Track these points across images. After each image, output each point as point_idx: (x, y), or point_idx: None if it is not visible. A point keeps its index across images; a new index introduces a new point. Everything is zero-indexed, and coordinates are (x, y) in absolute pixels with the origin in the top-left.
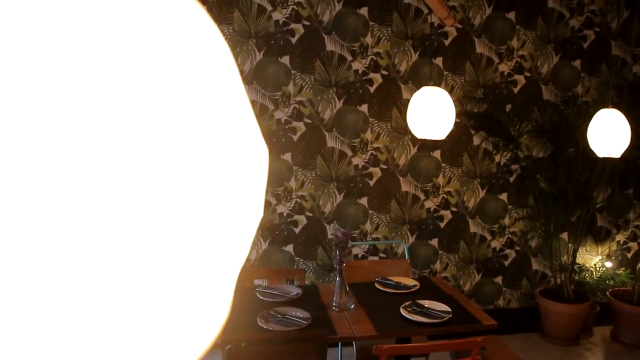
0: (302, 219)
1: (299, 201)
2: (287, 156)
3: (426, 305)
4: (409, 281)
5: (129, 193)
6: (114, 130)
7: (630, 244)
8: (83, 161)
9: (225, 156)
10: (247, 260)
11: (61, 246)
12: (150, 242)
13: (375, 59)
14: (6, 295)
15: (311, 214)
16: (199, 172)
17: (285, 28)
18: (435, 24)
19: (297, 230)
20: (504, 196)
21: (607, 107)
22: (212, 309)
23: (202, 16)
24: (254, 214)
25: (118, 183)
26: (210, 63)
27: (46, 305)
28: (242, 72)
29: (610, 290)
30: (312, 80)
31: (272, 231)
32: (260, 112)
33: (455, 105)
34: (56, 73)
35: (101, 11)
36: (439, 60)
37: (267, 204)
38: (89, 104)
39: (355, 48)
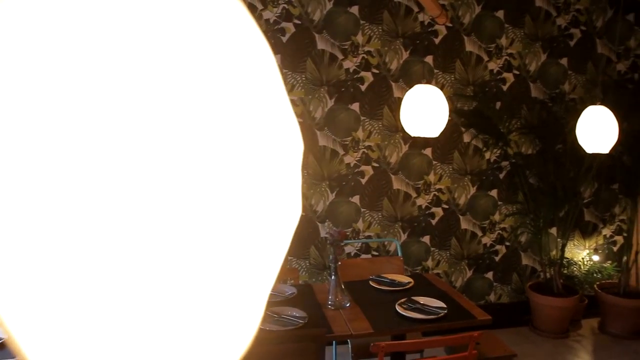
0: None
1: None
2: None
3: (421, 302)
4: (403, 278)
5: (164, 192)
6: (149, 126)
7: (616, 237)
8: (128, 159)
9: (265, 155)
10: None
11: (107, 246)
12: (185, 243)
13: (366, 57)
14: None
15: (303, 213)
16: (239, 172)
17: (276, 27)
18: (426, 23)
19: None
20: (494, 192)
21: (595, 104)
22: (251, 308)
23: (242, 12)
24: (293, 210)
25: (155, 181)
26: (250, 60)
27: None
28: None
29: (598, 283)
30: (304, 79)
31: None
32: None
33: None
34: (102, 69)
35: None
36: (429, 59)
37: None
38: (139, 100)
39: (346, 46)
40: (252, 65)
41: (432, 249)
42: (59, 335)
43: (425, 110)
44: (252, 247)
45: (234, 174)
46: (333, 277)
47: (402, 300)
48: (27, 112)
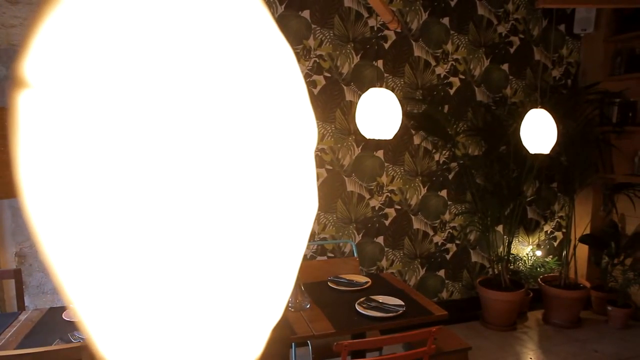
0: None
1: None
2: None
3: (380, 300)
4: (361, 278)
5: (187, 190)
6: (165, 124)
7: (556, 233)
8: (142, 156)
9: (283, 151)
10: None
11: (134, 246)
12: (201, 243)
13: (318, 61)
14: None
15: None
16: (257, 169)
17: None
18: (375, 28)
19: None
20: (444, 193)
21: (536, 107)
22: (273, 304)
23: (262, 10)
24: (310, 206)
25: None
26: (268, 56)
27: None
28: None
29: (541, 277)
30: None
31: None
32: None
33: None
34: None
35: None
36: (379, 63)
37: None
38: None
39: (299, 50)
40: (270, 61)
41: (386, 249)
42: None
43: (380, 113)
44: (273, 246)
45: (250, 171)
46: None
47: (362, 299)
48: (46, 112)
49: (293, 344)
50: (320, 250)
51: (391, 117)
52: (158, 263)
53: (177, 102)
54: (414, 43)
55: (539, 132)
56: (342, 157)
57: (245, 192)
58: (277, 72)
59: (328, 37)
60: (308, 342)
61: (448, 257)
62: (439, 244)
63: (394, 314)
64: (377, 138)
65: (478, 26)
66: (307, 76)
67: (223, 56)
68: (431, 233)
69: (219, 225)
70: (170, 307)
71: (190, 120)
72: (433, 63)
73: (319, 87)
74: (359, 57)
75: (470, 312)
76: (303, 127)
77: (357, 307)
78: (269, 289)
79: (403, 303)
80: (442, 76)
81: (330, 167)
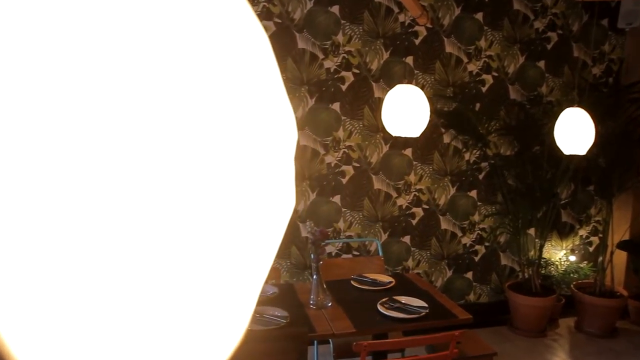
0: None
1: None
2: None
3: (403, 301)
4: (385, 278)
5: (153, 187)
6: (139, 120)
7: (592, 238)
8: (115, 153)
9: (259, 147)
10: None
11: (95, 243)
12: (174, 240)
13: (346, 57)
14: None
15: None
16: (229, 166)
17: None
18: (406, 23)
19: None
20: (473, 193)
21: (573, 106)
22: (240, 306)
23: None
24: (286, 203)
25: (137, 178)
26: (245, 50)
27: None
28: None
29: (574, 283)
30: (284, 78)
31: None
32: None
33: None
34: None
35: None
36: (409, 59)
37: None
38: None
39: (327, 46)
40: (247, 55)
41: (413, 249)
42: (47, 335)
43: (406, 110)
44: (244, 243)
45: (225, 167)
46: (315, 276)
47: (384, 299)
48: (28, 112)
49: (315, 341)
50: (345, 248)
51: (418, 115)
52: (127, 261)
53: (145, 98)
54: (445, 39)
55: (575, 132)
56: (370, 154)
57: (216, 190)
58: (252, 66)
59: (357, 32)
60: (330, 339)
61: (476, 259)
62: (467, 245)
63: (417, 315)
64: (403, 136)
65: (513, 21)
66: (335, 72)
67: (196, 51)
68: (459, 234)
69: (188, 223)
70: (140, 306)
71: (163, 116)
72: (465, 60)
73: (347, 84)
74: (388, 53)
75: (498, 316)
76: (280, 125)
77: (379, 307)
78: (235, 289)
79: (426, 305)
80: (474, 73)
81: (358, 165)
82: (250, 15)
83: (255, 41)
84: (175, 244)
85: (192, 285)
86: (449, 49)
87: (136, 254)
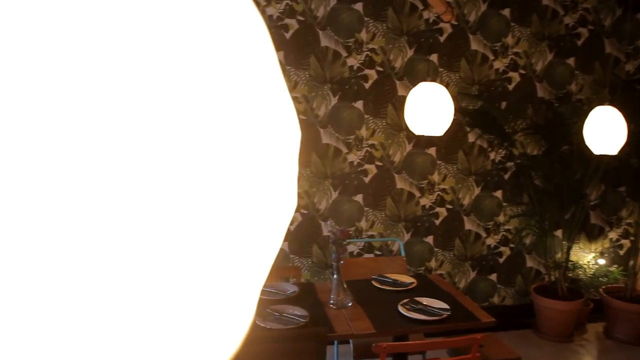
0: (297, 216)
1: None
2: None
3: (424, 303)
4: (406, 278)
5: (151, 184)
6: (126, 121)
7: (623, 241)
8: (101, 156)
9: (258, 144)
10: None
11: (74, 244)
12: (175, 237)
13: (370, 55)
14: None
15: (306, 211)
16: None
17: (279, 23)
18: (431, 20)
19: (292, 227)
20: (498, 193)
21: (603, 105)
22: (243, 305)
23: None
24: (288, 204)
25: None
26: (245, 47)
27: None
28: None
29: (604, 287)
30: (307, 76)
31: None
32: None
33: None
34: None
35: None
36: (434, 57)
37: None
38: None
39: (350, 44)
40: (247, 52)
41: (436, 249)
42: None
43: (429, 108)
44: (245, 242)
45: (227, 165)
46: (335, 276)
47: (405, 300)
48: (25, 112)
49: (335, 341)
50: (367, 247)
51: (442, 113)
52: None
53: (141, 96)
54: (471, 36)
55: (605, 131)
56: (393, 153)
57: (213, 188)
58: (254, 65)
59: (381, 30)
60: (350, 340)
61: (501, 260)
62: (492, 246)
63: (438, 317)
64: (426, 134)
65: (542, 17)
66: (358, 70)
67: (196, 50)
68: (484, 235)
69: (187, 223)
70: (137, 304)
71: (158, 114)
72: (491, 57)
73: (370, 82)
74: (412, 51)
75: (522, 319)
76: (280, 120)
77: (400, 308)
78: (237, 287)
79: (448, 307)
80: (500, 71)
81: (380, 164)
82: (251, 10)
83: (255, 36)
84: (174, 244)
85: (192, 285)
86: (474, 46)
87: (135, 253)
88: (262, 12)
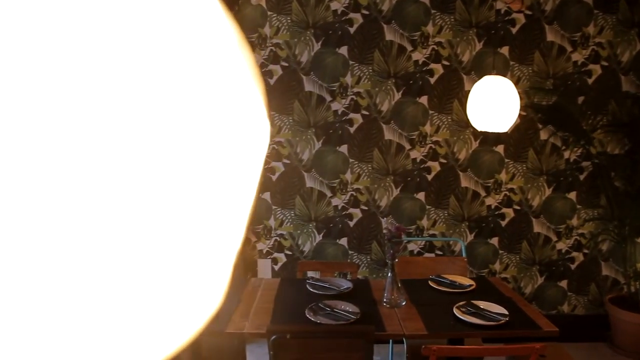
0: (357, 213)
1: (355, 194)
2: (344, 148)
3: (481, 307)
4: (465, 280)
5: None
6: (101, 122)
7: None
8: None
9: (225, 138)
10: (301, 252)
11: (55, 242)
12: (141, 232)
13: (436, 48)
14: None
15: (366, 208)
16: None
17: (344, 18)
18: (502, 11)
19: (351, 223)
20: (572, 195)
21: None
22: (204, 296)
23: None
24: (242, 205)
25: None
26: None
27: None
28: (299, 62)
29: None
30: (370, 71)
31: (326, 224)
32: (317, 103)
33: (522, 98)
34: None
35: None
36: (505, 50)
37: (322, 195)
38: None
39: (416, 37)
40: (216, 53)
41: (501, 251)
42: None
43: (494, 103)
44: (200, 236)
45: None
46: (389, 274)
47: (461, 303)
48: (21, 112)
49: (390, 340)
50: (428, 246)
51: (507, 108)
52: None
53: (114, 95)
54: (546, 26)
55: None
56: (458, 150)
57: (177, 186)
58: (223, 65)
59: (448, 23)
60: (404, 339)
61: (573, 267)
62: (563, 251)
63: (495, 323)
64: (489, 131)
65: (631, 2)
66: (423, 64)
67: (166, 47)
68: (554, 238)
69: (149, 220)
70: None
71: (133, 114)
72: (569, 49)
73: (436, 76)
74: (481, 43)
75: (595, 331)
76: (250, 123)
77: (455, 311)
78: (194, 289)
79: (507, 312)
80: (579, 63)
81: (445, 161)
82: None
83: (224, 40)
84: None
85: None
86: (550, 37)
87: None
88: (327, 7)
